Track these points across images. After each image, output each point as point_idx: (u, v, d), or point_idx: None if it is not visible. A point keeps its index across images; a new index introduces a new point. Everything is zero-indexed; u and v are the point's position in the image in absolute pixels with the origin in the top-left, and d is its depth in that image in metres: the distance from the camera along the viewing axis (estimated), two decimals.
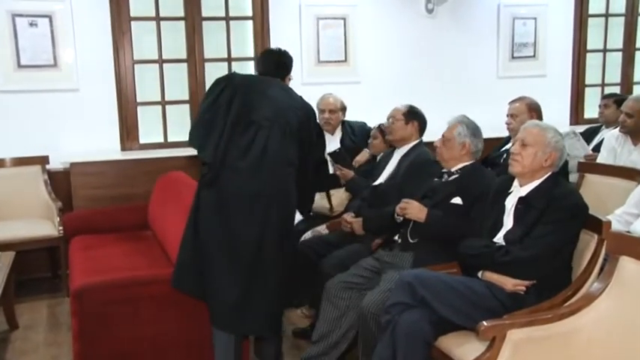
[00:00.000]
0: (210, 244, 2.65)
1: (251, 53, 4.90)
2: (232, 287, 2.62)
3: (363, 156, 3.95)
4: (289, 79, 2.97)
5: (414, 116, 3.38)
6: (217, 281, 2.65)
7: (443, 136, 2.93)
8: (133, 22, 4.59)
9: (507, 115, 3.72)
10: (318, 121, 4.26)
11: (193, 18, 4.69)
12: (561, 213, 2.31)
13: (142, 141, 4.70)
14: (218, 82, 2.79)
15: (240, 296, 2.63)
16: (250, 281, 2.64)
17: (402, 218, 2.91)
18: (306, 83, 4.95)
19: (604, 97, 4.58)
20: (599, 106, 4.52)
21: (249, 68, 4.89)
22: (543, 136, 2.45)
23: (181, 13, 4.70)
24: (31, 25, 4.32)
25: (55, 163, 4.40)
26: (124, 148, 4.65)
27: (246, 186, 2.63)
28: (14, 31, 4.28)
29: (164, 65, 4.70)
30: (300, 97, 2.85)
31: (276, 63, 2.91)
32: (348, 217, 3.36)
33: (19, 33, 4.29)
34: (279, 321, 2.86)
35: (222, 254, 2.63)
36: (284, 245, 2.72)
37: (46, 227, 4.11)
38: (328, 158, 3.89)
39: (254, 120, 2.68)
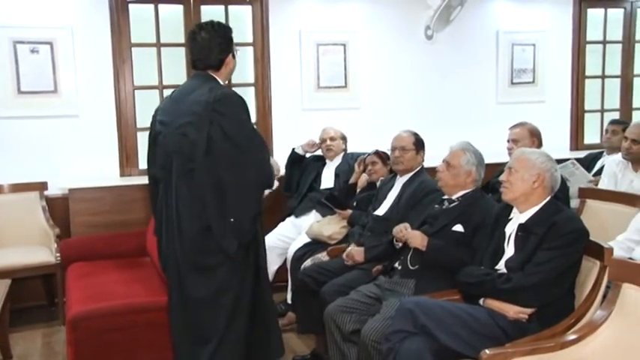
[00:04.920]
0: None
1: (251, 79, 4.95)
2: None
3: (362, 182, 4.03)
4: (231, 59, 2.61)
5: (422, 145, 3.43)
6: None
7: (447, 162, 2.93)
8: (133, 49, 4.65)
9: (508, 141, 3.74)
10: (320, 150, 4.37)
11: None
12: (562, 239, 2.31)
13: (141, 167, 4.71)
14: None
15: None
16: None
17: (400, 244, 2.91)
18: (307, 109, 5.00)
19: (613, 122, 4.49)
20: (606, 130, 4.45)
21: (250, 94, 4.93)
22: (527, 159, 2.49)
23: (182, 40, 4.75)
24: (32, 52, 4.37)
25: (54, 189, 4.41)
26: (123, 174, 4.67)
27: None
28: (15, 57, 4.33)
29: (164, 91, 4.73)
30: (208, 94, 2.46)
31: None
32: (350, 249, 3.37)
33: (20, 59, 4.34)
34: None
35: None
36: None
37: (43, 254, 4.09)
38: (325, 202, 3.97)
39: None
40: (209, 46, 2.55)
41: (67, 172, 4.46)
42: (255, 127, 2.59)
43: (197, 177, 2.43)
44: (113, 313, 3.06)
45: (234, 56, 2.63)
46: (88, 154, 4.54)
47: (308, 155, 4.45)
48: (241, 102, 2.51)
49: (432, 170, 3.26)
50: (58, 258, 4.03)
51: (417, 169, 3.41)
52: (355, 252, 3.30)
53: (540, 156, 2.50)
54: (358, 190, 4.03)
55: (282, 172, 4.29)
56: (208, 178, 2.42)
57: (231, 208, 2.44)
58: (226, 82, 2.66)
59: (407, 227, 2.90)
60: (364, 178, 4.01)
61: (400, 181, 3.43)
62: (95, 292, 3.34)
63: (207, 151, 2.41)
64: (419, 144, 3.42)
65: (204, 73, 2.59)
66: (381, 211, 3.42)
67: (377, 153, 3.86)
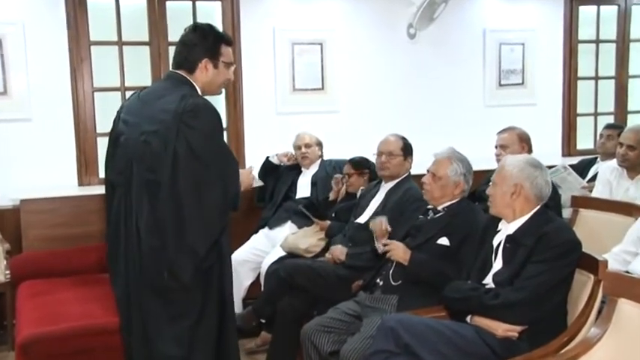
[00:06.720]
0: None
1: None
2: None
3: (341, 192, 4.04)
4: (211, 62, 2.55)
5: (410, 151, 3.44)
6: None
7: (433, 173, 2.92)
8: (92, 47, 4.58)
9: (496, 146, 3.75)
10: (296, 157, 4.35)
11: (159, 43, 4.69)
12: (552, 251, 2.31)
13: (102, 175, 4.64)
14: None
15: None
16: None
17: (382, 247, 2.90)
18: (281, 112, 4.98)
19: (608, 126, 4.50)
20: (600, 135, 4.46)
21: (220, 97, 4.87)
22: (504, 169, 2.51)
23: (146, 38, 4.71)
24: None
25: (3, 200, 4.31)
26: (81, 183, 4.59)
27: None
28: None
29: (127, 93, 4.66)
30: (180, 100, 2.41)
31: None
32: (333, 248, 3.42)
33: None
34: None
35: None
36: None
37: None
38: (304, 210, 3.97)
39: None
40: (188, 43, 2.55)
41: (18, 181, 4.36)
42: (226, 143, 2.53)
43: (161, 193, 2.37)
44: (67, 335, 3.01)
45: (215, 66, 2.55)
46: (43, 161, 4.45)
47: (283, 164, 4.43)
48: (214, 115, 2.44)
49: (415, 177, 3.25)
50: (8, 276, 3.92)
51: (404, 175, 3.41)
52: (339, 251, 3.34)
53: (519, 164, 2.50)
54: (338, 200, 4.03)
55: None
56: (171, 196, 2.35)
57: (189, 231, 2.36)
58: (210, 90, 2.61)
59: (383, 221, 2.92)
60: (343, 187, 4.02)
61: (385, 188, 3.43)
62: (48, 313, 3.28)
63: (172, 166, 2.34)
64: (407, 149, 3.43)
65: (178, 74, 2.56)
66: (363, 219, 3.43)
67: (350, 163, 3.87)
